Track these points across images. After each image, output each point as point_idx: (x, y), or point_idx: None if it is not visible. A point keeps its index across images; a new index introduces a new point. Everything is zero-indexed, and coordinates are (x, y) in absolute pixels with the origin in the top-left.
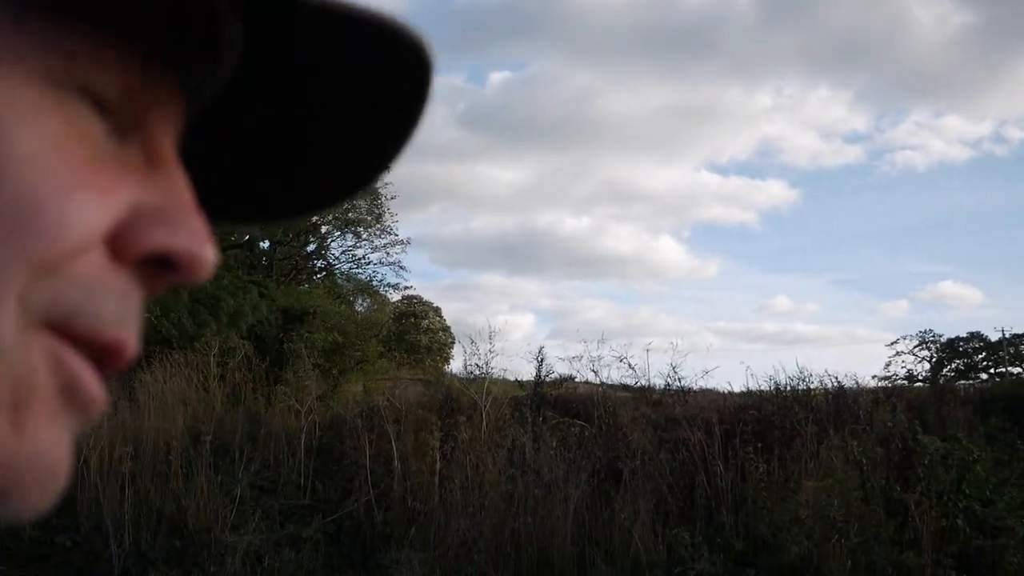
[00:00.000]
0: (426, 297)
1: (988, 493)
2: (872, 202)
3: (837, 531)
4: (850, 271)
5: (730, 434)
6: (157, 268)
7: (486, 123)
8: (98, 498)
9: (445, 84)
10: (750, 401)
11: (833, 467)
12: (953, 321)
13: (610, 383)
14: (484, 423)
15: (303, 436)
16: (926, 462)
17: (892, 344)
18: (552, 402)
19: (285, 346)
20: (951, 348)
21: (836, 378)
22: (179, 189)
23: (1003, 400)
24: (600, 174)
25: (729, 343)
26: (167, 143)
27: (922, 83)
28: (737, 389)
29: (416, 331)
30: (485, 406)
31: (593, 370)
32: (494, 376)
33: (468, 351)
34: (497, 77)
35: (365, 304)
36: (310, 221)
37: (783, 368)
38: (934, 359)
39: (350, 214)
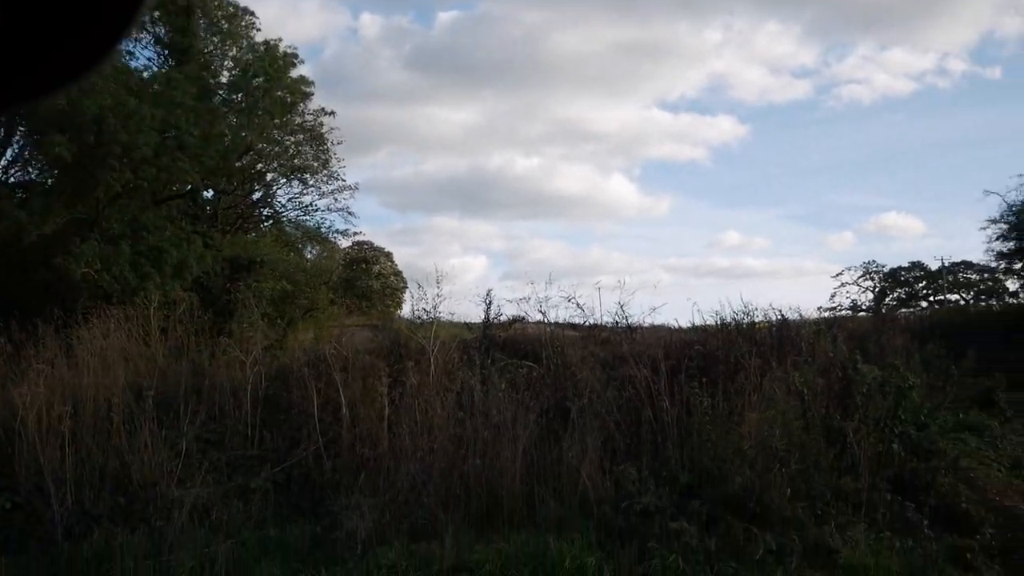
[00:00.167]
0: (377, 242)
1: (923, 418)
2: (819, 136)
3: (779, 460)
4: (798, 205)
5: (676, 370)
6: None
7: (435, 64)
8: (37, 458)
9: (391, 25)
10: (696, 337)
11: (776, 398)
12: (897, 252)
13: (559, 323)
14: (432, 368)
15: (249, 387)
16: (864, 391)
17: (837, 275)
18: (501, 344)
19: (232, 296)
20: (893, 278)
21: (780, 311)
22: None
23: (940, 327)
24: (551, 114)
25: (680, 279)
26: None
27: (868, 16)
28: (685, 325)
29: (368, 277)
30: (433, 350)
31: (541, 311)
32: (443, 320)
33: (416, 296)
34: (445, 17)
35: (314, 251)
36: (254, 168)
37: (729, 303)
38: (877, 289)
39: (296, 160)
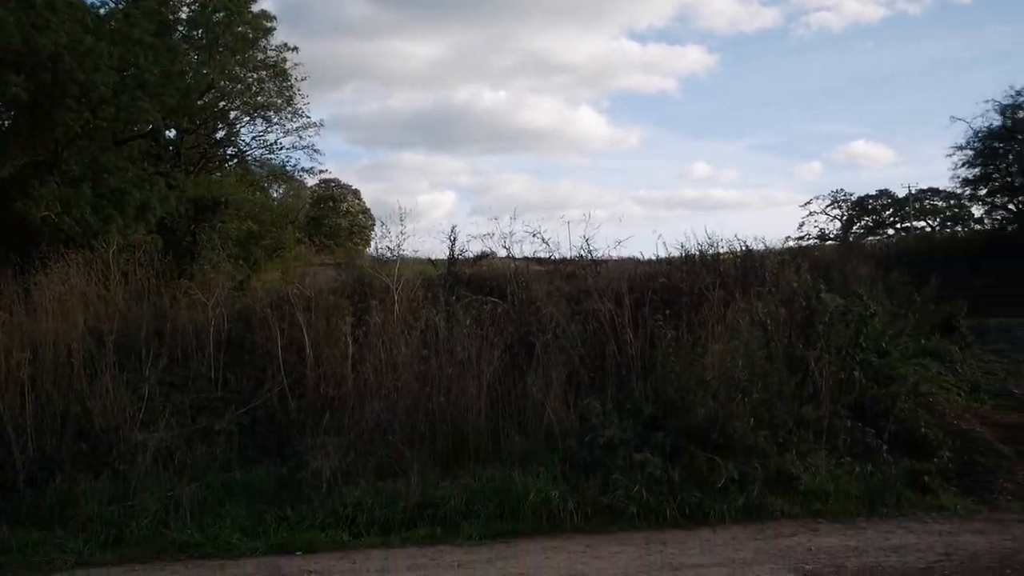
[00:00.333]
0: (344, 180)
1: (884, 345)
2: (789, 66)
3: (741, 390)
4: (767, 135)
5: (640, 302)
6: None
7: None
8: None
9: None
10: (660, 269)
11: (739, 329)
12: (865, 180)
13: (525, 258)
14: (396, 306)
15: (212, 329)
16: (826, 319)
17: (805, 205)
18: (466, 281)
19: (196, 238)
20: (861, 206)
21: (744, 243)
22: None
23: (906, 255)
24: (519, 45)
25: (651, 211)
26: None
27: None
28: (651, 258)
29: (335, 215)
30: (397, 288)
31: (505, 247)
32: (408, 257)
33: (379, 234)
34: None
35: (280, 191)
36: (217, 107)
37: (694, 235)
38: (845, 218)
39: (259, 98)
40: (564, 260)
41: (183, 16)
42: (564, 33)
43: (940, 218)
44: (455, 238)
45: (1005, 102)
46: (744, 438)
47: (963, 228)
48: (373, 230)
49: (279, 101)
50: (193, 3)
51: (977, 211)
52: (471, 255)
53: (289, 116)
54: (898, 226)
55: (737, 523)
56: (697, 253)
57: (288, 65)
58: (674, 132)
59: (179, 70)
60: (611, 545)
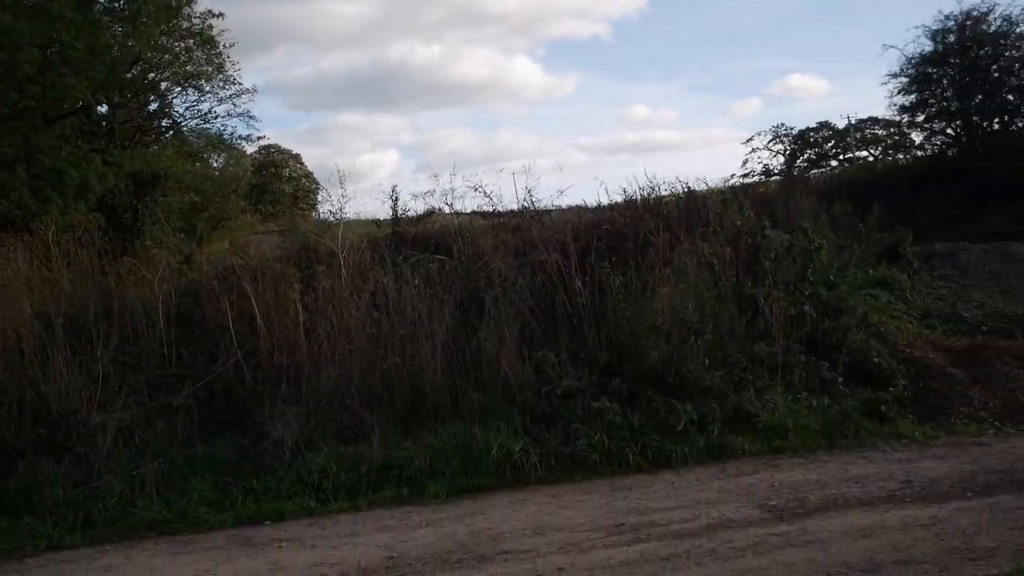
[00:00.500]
0: (284, 145)
1: (832, 278)
2: (719, 3)
3: (693, 332)
4: (702, 75)
5: (586, 251)
6: None
7: None
8: None
9: None
10: (604, 216)
11: (686, 271)
12: (803, 113)
13: (470, 213)
14: (344, 270)
15: (160, 306)
16: (772, 256)
17: (747, 141)
18: (411, 240)
19: (139, 213)
20: (803, 139)
21: (686, 184)
22: None
23: (848, 185)
24: None
25: (593, 158)
26: None
27: None
28: (594, 205)
29: (279, 181)
30: (343, 252)
31: (447, 203)
32: (352, 220)
33: (321, 198)
34: None
35: (220, 160)
36: (146, 79)
37: (635, 179)
38: (788, 152)
39: (188, 67)
40: (508, 213)
41: None
42: None
43: (882, 147)
44: (397, 197)
45: (935, 27)
46: (700, 379)
47: (905, 156)
48: (318, 194)
49: (209, 69)
50: None
51: (918, 137)
52: (415, 214)
53: (221, 84)
54: (840, 157)
55: (699, 464)
56: (639, 197)
57: (215, 32)
58: (610, 77)
59: (104, 44)
60: (576, 494)
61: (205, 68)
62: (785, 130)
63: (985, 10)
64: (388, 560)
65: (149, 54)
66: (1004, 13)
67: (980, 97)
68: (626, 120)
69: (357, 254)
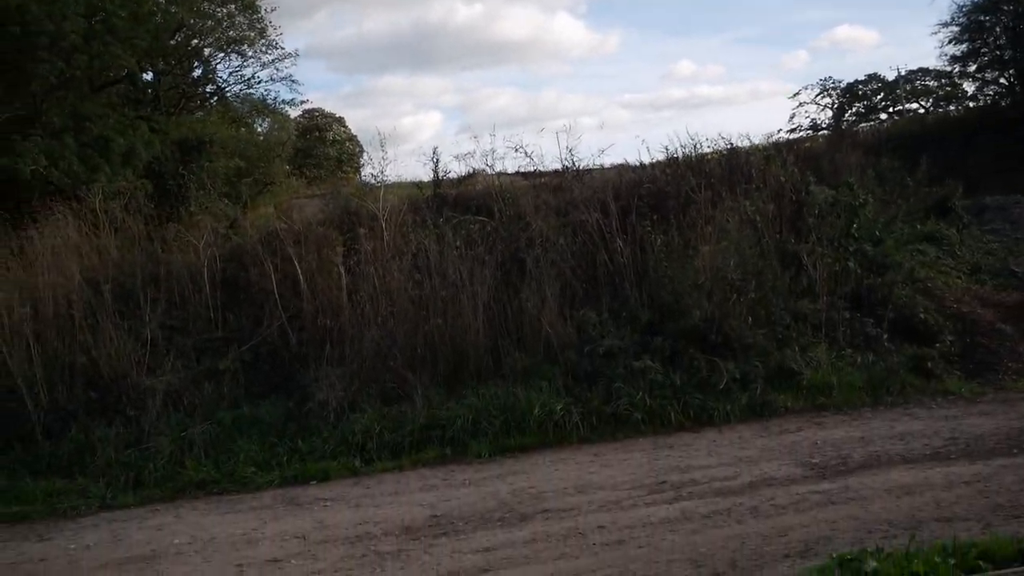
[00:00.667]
0: (328, 108)
1: (877, 233)
2: None
3: (736, 290)
4: (749, 28)
5: (627, 210)
6: None
7: None
8: (4, 361)
9: None
10: (645, 175)
11: (728, 228)
12: (852, 65)
13: (513, 173)
14: (385, 232)
15: (205, 270)
16: (816, 212)
17: (795, 96)
18: (453, 201)
19: (185, 179)
20: (851, 92)
21: (728, 140)
22: None
23: (896, 139)
24: None
25: (638, 115)
26: None
27: None
28: (639, 163)
29: (323, 144)
30: (384, 214)
31: (488, 164)
32: (394, 182)
33: (363, 161)
34: None
35: (265, 125)
36: (189, 45)
37: (677, 137)
38: (836, 106)
39: (230, 32)
40: (550, 173)
41: None
42: None
43: (932, 99)
44: (438, 159)
45: None
46: (742, 337)
47: (956, 107)
48: (363, 156)
49: (251, 34)
50: None
51: (970, 88)
52: (456, 176)
53: (263, 49)
54: (890, 110)
55: (742, 422)
56: (681, 155)
57: None
58: (654, 32)
59: (147, 11)
60: (618, 452)
61: (247, 33)
62: (833, 83)
63: None
64: (431, 519)
65: (192, 20)
66: None
67: None
68: (671, 76)
69: (399, 216)
